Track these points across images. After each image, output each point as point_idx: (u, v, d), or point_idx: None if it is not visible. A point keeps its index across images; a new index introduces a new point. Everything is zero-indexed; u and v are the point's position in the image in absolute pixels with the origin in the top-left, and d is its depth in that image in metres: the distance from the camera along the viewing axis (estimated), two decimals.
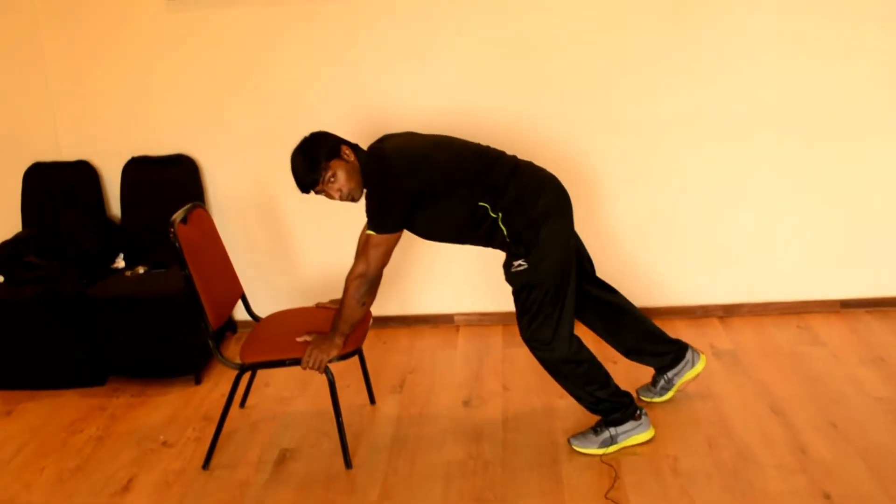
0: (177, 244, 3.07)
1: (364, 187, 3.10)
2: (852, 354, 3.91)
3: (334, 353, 3.13)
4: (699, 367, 3.52)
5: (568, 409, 3.53)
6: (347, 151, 3.11)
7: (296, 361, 3.16)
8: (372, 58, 4.20)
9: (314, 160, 3.06)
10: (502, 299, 4.06)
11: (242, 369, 3.26)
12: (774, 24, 4.02)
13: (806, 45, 4.05)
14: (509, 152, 3.21)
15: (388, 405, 3.73)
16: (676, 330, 4.17)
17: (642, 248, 4.36)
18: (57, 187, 4.43)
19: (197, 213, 3.39)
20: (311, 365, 3.11)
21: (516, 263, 3.08)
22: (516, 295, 3.13)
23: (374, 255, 3.03)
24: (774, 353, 3.98)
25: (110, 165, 4.45)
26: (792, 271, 4.37)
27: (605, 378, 3.21)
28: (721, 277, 4.40)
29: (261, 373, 3.98)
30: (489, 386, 3.83)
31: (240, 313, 4.53)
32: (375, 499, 3.03)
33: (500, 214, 3.07)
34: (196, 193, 4.36)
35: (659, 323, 3.55)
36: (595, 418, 3.28)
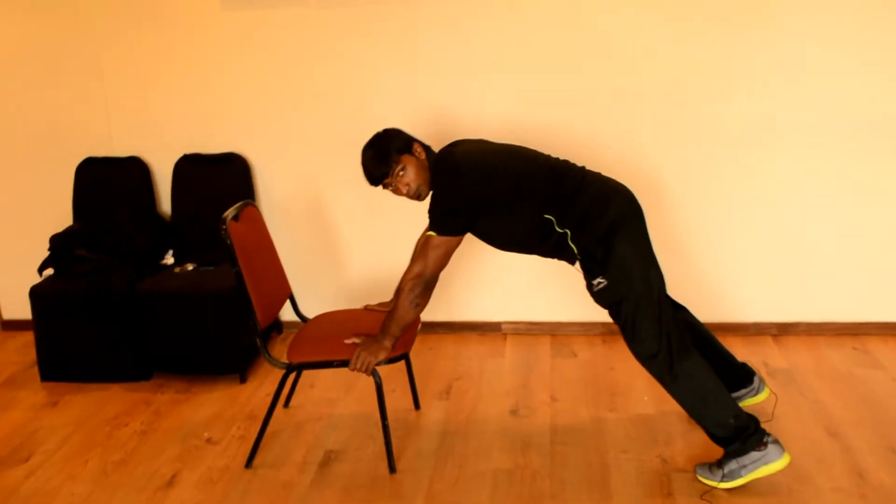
0: (228, 241, 3.06)
1: (431, 188, 3.09)
2: None
3: (383, 355, 3.10)
4: (762, 396, 3.44)
5: (618, 422, 3.48)
6: (419, 149, 3.11)
7: (343, 363, 3.13)
8: (427, 61, 4.17)
9: (386, 152, 3.06)
10: (551, 308, 4.03)
11: (290, 369, 3.24)
12: (845, 29, 3.93)
13: (879, 54, 3.94)
14: (577, 163, 3.16)
15: (434, 411, 3.69)
16: (730, 346, 4.03)
17: (697, 261, 4.28)
18: (109, 183, 4.45)
19: (248, 212, 3.38)
20: (358, 367, 3.08)
21: (596, 282, 3.03)
22: (611, 315, 3.08)
23: (434, 256, 3.01)
24: (830, 375, 3.88)
25: (162, 162, 4.47)
26: (850, 291, 4.26)
27: (724, 402, 3.02)
28: (776, 295, 4.30)
29: (306, 374, 3.96)
30: (537, 396, 3.77)
31: (285, 314, 4.51)
32: None
33: (569, 232, 3.02)
34: (246, 192, 4.35)
35: None
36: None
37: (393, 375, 3.89)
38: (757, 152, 4.11)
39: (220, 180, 4.37)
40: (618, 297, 3.01)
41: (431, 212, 3.03)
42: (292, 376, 3.78)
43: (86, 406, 3.86)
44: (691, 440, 3.27)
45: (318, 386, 3.95)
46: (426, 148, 3.16)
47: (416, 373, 3.85)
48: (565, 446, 3.34)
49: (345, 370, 3.13)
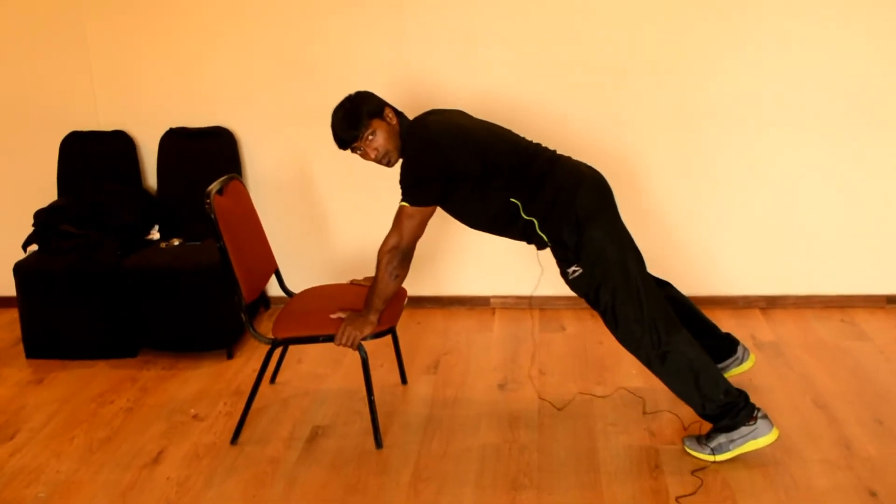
0: (212, 215, 3.03)
1: (401, 155, 3.06)
2: None
3: (368, 330, 3.08)
4: (747, 364, 3.43)
5: (606, 395, 3.48)
6: (390, 114, 3.07)
7: (329, 338, 3.11)
8: (416, 34, 4.13)
9: (356, 116, 3.03)
10: (540, 283, 4.01)
11: (274, 344, 3.22)
12: (826, 3, 3.92)
13: (858, 30, 3.93)
14: (553, 139, 3.13)
15: (421, 386, 3.67)
16: (718, 319, 4.04)
17: (685, 236, 4.27)
18: (94, 157, 4.41)
19: (233, 186, 3.35)
20: (344, 342, 3.07)
21: (571, 270, 3.01)
22: (590, 303, 3.06)
23: (408, 226, 2.98)
24: (818, 347, 3.89)
25: (148, 136, 4.43)
26: (837, 264, 4.26)
27: (714, 379, 2.99)
28: (764, 268, 4.30)
29: (294, 349, 3.93)
30: (525, 370, 3.76)
31: (273, 290, 4.49)
32: (408, 479, 2.97)
33: (536, 221, 3.00)
34: (233, 167, 4.32)
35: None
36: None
37: (381, 350, 3.87)
38: (743, 125, 4.10)
39: (206, 154, 4.33)
40: (594, 285, 2.98)
41: (403, 181, 3.00)
42: (278, 351, 3.75)
43: (71, 383, 3.84)
44: (679, 413, 3.26)
45: (306, 361, 3.93)
46: (398, 114, 3.12)
47: (404, 347, 3.84)
48: (553, 420, 3.34)
49: (332, 345, 3.11)
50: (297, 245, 4.48)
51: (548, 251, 3.12)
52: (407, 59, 4.16)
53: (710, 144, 4.14)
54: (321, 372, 3.84)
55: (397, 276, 3.05)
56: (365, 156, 3.08)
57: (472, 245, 4.37)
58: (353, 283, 3.56)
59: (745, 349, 3.45)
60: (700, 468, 2.94)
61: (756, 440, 2.94)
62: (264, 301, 4.60)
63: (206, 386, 3.76)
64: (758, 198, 4.19)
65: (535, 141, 3.18)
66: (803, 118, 4.06)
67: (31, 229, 4.15)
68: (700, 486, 2.84)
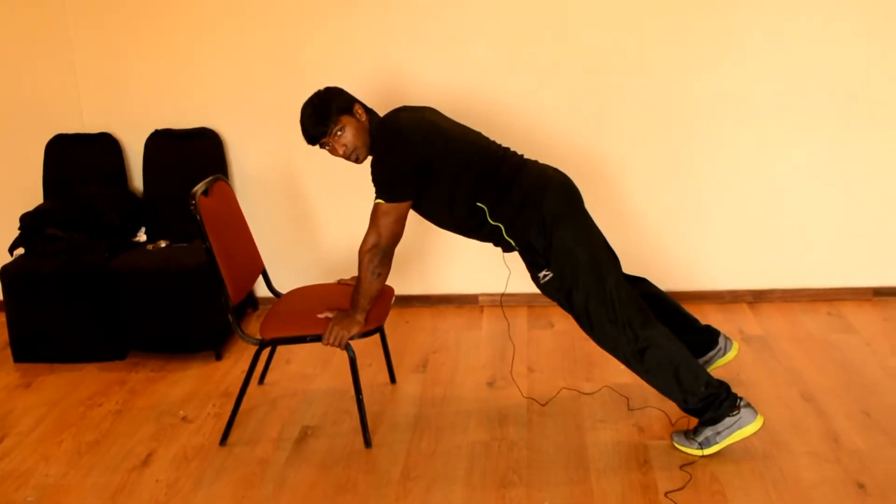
0: (198, 216, 3.02)
1: (371, 153, 3.06)
2: (885, 343, 3.83)
3: (355, 329, 3.08)
4: (731, 354, 3.43)
5: (595, 392, 3.49)
6: (360, 111, 3.07)
7: (316, 338, 3.11)
8: (401, 35, 4.13)
9: (325, 112, 3.02)
10: (527, 280, 4.01)
11: (262, 345, 3.22)
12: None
13: (839, 25, 3.95)
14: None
15: (410, 385, 3.68)
16: (705, 314, 4.09)
17: (671, 231, 4.28)
18: (79, 159, 4.39)
19: (219, 186, 3.34)
20: (331, 341, 3.07)
21: (542, 275, 3.02)
22: (563, 307, 3.05)
23: (385, 223, 2.98)
24: (805, 340, 3.90)
25: (133, 138, 4.41)
26: (824, 258, 4.28)
27: (694, 372, 3.00)
28: (751, 262, 4.31)
29: (282, 350, 3.93)
30: (514, 367, 3.76)
31: (261, 290, 4.48)
32: (397, 478, 2.97)
33: (503, 227, 3.01)
34: (219, 168, 4.31)
35: (687, 307, 3.46)
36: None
37: (369, 350, 3.87)
38: (728, 120, 4.11)
39: (192, 156, 4.32)
40: (566, 288, 2.98)
41: (376, 179, 3.00)
42: (266, 352, 3.75)
43: (59, 386, 3.83)
44: (667, 409, 3.27)
45: (295, 362, 3.93)
46: (369, 111, 3.11)
47: (392, 347, 3.84)
48: (542, 417, 3.34)
49: (320, 345, 3.11)
50: (285, 245, 4.47)
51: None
52: (392, 60, 4.16)
53: (696, 139, 4.15)
54: (309, 372, 3.84)
55: (379, 275, 3.05)
56: (333, 152, 3.08)
57: (460, 243, 4.33)
58: (340, 282, 3.56)
59: (728, 339, 3.44)
60: (688, 463, 2.95)
61: (742, 429, 2.94)
62: (252, 302, 4.60)
63: (195, 387, 3.76)
64: (744, 192, 4.20)
65: (504, 145, 3.19)
66: (788, 112, 4.07)
67: (17, 233, 4.14)
68: (689, 481, 2.85)
